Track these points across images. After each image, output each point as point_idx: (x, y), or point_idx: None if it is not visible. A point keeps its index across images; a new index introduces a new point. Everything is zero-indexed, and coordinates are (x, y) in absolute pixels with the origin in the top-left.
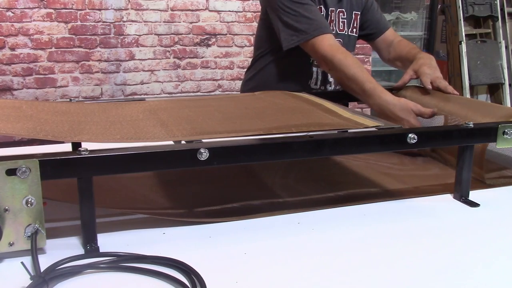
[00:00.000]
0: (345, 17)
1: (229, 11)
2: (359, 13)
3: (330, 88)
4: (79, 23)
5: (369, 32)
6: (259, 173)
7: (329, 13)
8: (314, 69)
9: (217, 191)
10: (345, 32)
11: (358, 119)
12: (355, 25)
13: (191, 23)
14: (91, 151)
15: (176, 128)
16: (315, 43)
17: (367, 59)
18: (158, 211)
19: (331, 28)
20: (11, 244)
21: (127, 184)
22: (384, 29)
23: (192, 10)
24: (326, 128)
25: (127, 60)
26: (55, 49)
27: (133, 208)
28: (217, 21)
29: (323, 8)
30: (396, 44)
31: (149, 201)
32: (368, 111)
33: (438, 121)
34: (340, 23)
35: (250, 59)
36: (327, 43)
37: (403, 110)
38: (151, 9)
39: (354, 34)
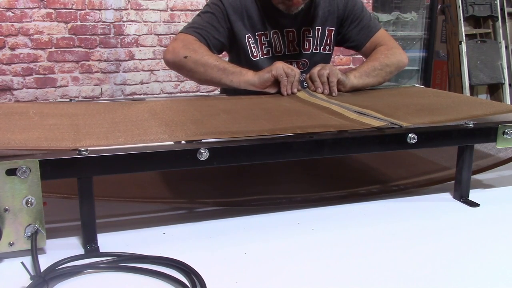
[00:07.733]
0: (311, 35)
1: None
2: (334, 28)
3: None
4: (79, 23)
5: (350, 45)
6: (261, 169)
7: (285, 34)
8: None
9: (218, 185)
10: (313, 50)
11: (364, 120)
12: (328, 42)
13: None
14: (91, 151)
15: (181, 128)
16: (177, 36)
17: None
18: (158, 200)
19: (289, 49)
20: (11, 244)
21: (125, 177)
22: (365, 41)
23: (192, 10)
24: (332, 130)
25: (126, 60)
26: (55, 49)
27: (131, 197)
28: None
29: (278, 31)
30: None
31: (147, 191)
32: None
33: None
34: (306, 42)
35: None
36: (186, 38)
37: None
38: (150, 9)
39: (327, 51)
